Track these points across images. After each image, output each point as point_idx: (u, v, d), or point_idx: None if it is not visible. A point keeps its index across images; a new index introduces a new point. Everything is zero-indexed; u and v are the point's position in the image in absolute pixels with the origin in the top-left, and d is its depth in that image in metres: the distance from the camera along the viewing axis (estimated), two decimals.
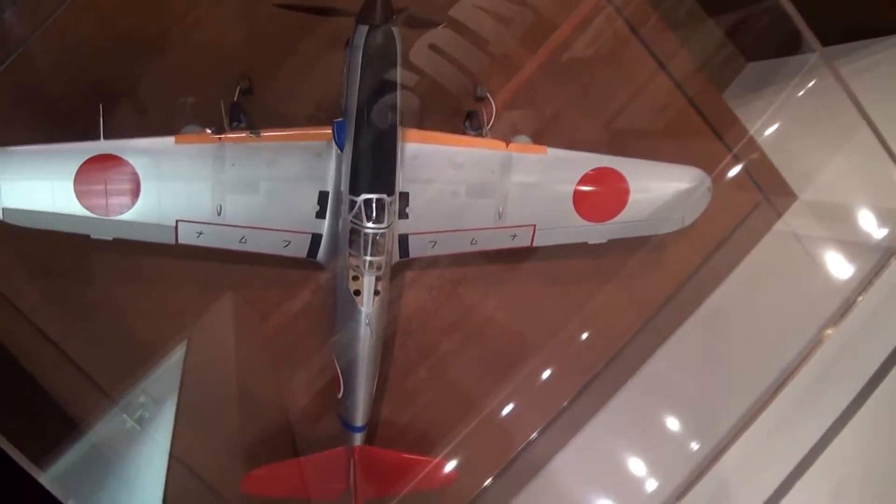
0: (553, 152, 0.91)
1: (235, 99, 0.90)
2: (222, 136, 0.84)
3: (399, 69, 0.81)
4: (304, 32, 0.96)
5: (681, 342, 1.04)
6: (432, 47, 0.96)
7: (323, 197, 0.87)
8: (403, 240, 0.90)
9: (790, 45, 1.12)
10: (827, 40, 1.03)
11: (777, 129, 1.05)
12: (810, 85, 1.04)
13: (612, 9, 1.04)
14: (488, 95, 0.97)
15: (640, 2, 1.06)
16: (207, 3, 0.96)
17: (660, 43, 1.06)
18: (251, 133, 0.84)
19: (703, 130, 1.08)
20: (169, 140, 0.83)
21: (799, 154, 1.09)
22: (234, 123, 0.87)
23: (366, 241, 0.83)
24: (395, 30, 0.79)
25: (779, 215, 1.09)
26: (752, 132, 1.06)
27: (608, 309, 1.05)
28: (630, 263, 1.04)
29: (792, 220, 1.08)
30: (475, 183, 0.90)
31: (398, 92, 0.82)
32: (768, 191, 1.09)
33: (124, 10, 0.94)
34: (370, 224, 0.83)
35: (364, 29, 0.78)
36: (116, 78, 0.93)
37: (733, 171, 1.04)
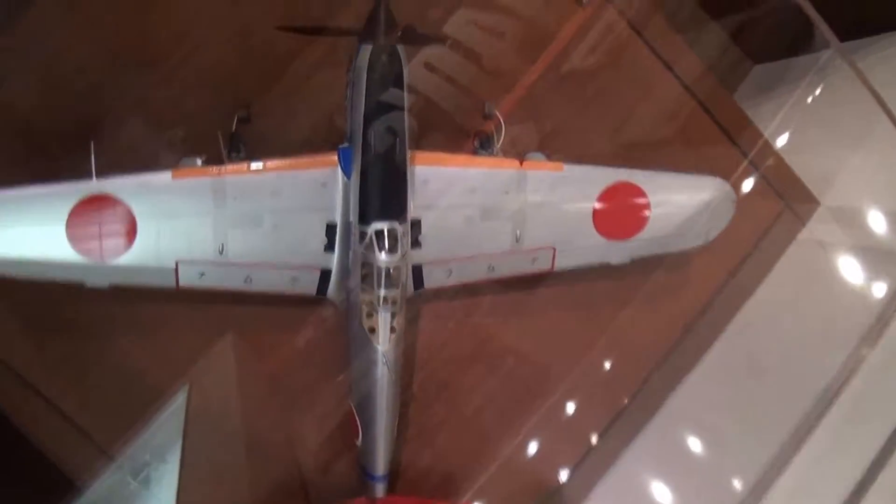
0: (570, 168, 0.87)
1: (234, 129, 0.86)
2: (222, 168, 0.80)
3: (406, 89, 0.78)
4: (302, 56, 0.92)
5: (712, 365, 0.99)
6: (428, 66, 0.94)
7: (331, 229, 0.82)
8: (417, 270, 0.85)
9: (797, 46, 1.10)
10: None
11: (792, 132, 1.02)
12: (823, 83, 1.02)
13: (615, 11, 1.02)
14: (496, 113, 0.92)
15: (640, 7, 1.03)
16: (201, 30, 0.92)
17: (665, 47, 1.03)
18: (252, 164, 0.80)
19: (716, 135, 1.04)
20: (166, 175, 0.78)
21: (817, 157, 1.06)
22: (234, 155, 0.83)
23: (379, 275, 0.78)
24: (399, 48, 0.76)
25: (803, 223, 1.05)
26: (766, 135, 1.02)
27: (633, 332, 1.00)
28: (652, 283, 0.99)
29: (816, 228, 1.04)
30: (490, 205, 0.85)
31: (405, 113, 0.78)
32: (789, 198, 1.05)
33: (114, 40, 0.91)
34: (383, 256, 0.78)
35: (367, 48, 0.76)
36: (109, 112, 0.88)
37: (751, 179, 1.01)
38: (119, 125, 0.87)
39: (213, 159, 0.81)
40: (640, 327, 1.00)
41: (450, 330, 0.97)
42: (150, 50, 0.91)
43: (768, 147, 1.02)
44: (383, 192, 0.79)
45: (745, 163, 1.01)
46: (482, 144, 0.90)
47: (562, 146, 0.95)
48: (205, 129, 0.84)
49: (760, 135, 1.03)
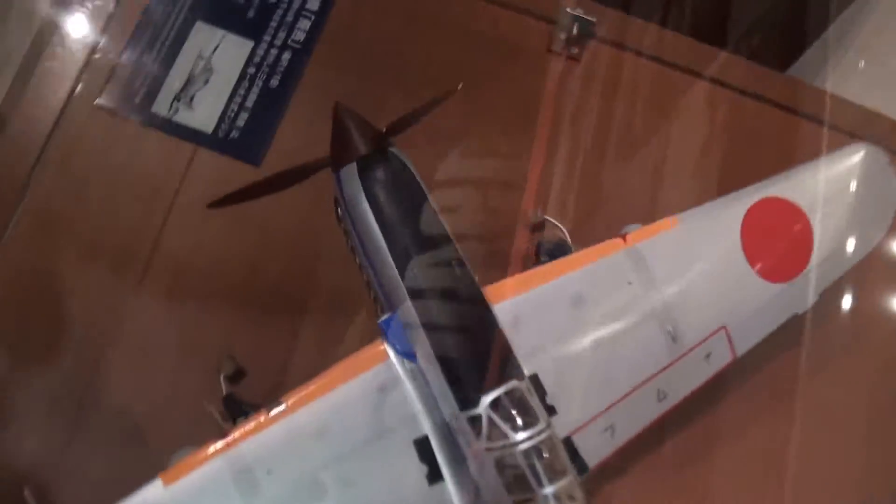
0: (685, 217, 0.63)
1: (225, 391, 0.59)
2: (230, 437, 0.52)
3: (430, 197, 0.55)
4: (266, 257, 0.72)
5: None
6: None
7: (423, 446, 0.54)
8: (568, 447, 0.55)
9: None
10: None
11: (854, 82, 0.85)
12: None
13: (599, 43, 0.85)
14: (545, 217, 0.72)
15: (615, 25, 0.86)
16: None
17: (665, 49, 0.85)
18: (271, 410, 0.52)
19: (777, 116, 0.83)
20: (155, 487, 0.50)
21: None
22: (239, 419, 0.55)
23: (531, 465, 0.49)
24: (392, 149, 0.55)
25: None
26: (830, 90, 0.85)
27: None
28: (833, 330, 0.72)
29: None
30: (615, 310, 0.59)
31: (447, 228, 0.55)
32: None
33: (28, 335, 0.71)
34: (521, 435, 0.49)
35: (350, 168, 0.55)
36: (50, 438, 0.66)
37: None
38: (67, 452, 0.66)
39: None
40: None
41: None
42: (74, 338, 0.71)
43: (845, 105, 0.82)
44: (474, 345, 0.53)
45: (825, 130, 0.80)
46: (552, 254, 0.66)
47: (640, 207, 0.75)
48: (187, 411, 0.59)
49: (824, 92, 0.83)
